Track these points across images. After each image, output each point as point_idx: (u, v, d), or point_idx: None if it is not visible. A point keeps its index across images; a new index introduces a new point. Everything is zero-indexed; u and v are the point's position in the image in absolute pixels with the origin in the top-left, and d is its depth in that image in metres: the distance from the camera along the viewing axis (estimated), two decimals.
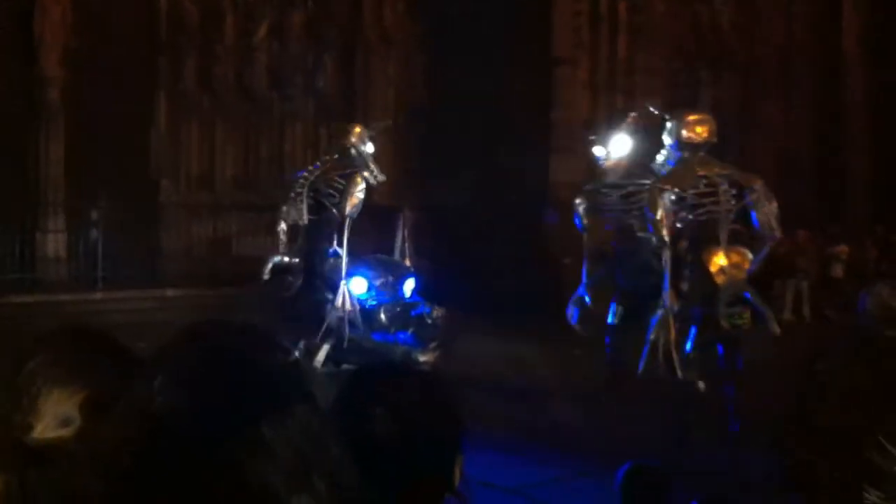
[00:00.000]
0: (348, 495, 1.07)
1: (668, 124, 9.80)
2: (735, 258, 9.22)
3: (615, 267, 10.12)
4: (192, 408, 1.03)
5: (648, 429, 8.72)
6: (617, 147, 10.37)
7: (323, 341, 10.34)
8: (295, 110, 20.21)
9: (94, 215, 17.66)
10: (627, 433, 8.67)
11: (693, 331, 9.30)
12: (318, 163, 11.75)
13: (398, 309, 10.57)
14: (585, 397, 9.74)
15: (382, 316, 10.46)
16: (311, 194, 11.03)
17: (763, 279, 15.98)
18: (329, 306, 10.50)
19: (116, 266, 17.51)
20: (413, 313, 10.56)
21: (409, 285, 10.79)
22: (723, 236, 9.31)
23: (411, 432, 1.69)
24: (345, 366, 9.89)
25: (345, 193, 10.85)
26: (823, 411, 0.66)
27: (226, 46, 19.42)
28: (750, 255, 9.29)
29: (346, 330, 10.30)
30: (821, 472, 0.65)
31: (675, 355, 9.15)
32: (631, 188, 10.05)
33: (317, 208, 11.08)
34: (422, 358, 10.19)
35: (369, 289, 10.56)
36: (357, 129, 11.34)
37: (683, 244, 9.67)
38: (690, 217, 9.53)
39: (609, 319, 10.06)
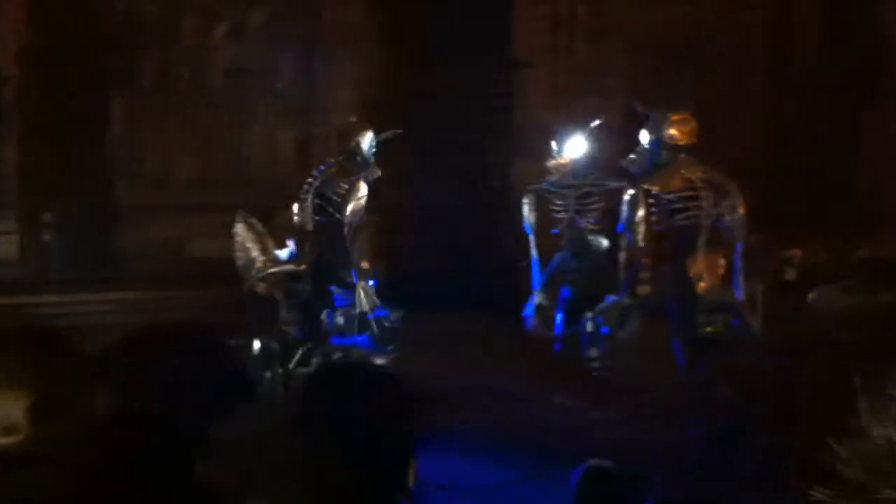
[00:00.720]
0: (300, 493, 1.09)
1: (650, 123, 9.70)
2: (713, 264, 9.20)
3: (563, 270, 10.07)
4: (140, 411, 1.04)
5: (606, 431, 8.76)
6: (572, 147, 10.36)
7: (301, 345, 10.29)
8: (253, 110, 20.09)
9: (48, 217, 17.44)
10: (586, 435, 8.71)
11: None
12: (324, 166, 11.63)
13: (355, 312, 10.53)
14: (544, 399, 9.77)
15: (340, 318, 10.41)
16: (317, 199, 10.95)
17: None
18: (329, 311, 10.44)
19: (70, 268, 17.31)
20: (370, 316, 10.53)
21: (365, 286, 10.75)
22: (702, 242, 9.23)
23: (365, 434, 1.69)
24: (302, 369, 9.85)
25: (346, 199, 10.80)
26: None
27: (183, 46, 19.27)
28: (723, 262, 9.28)
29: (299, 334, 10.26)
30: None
31: (642, 358, 9.18)
32: (586, 188, 10.03)
33: (323, 213, 10.98)
34: (379, 361, 10.16)
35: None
36: (367, 133, 11.19)
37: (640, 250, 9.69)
38: (671, 221, 9.43)
39: (556, 328, 10.05)
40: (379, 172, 11.26)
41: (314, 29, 20.61)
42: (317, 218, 10.88)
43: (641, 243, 9.29)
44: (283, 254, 11.40)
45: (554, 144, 10.42)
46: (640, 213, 9.19)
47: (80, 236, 17.67)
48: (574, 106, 20.68)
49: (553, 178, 10.34)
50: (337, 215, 10.75)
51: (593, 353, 9.78)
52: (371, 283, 10.77)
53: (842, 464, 0.67)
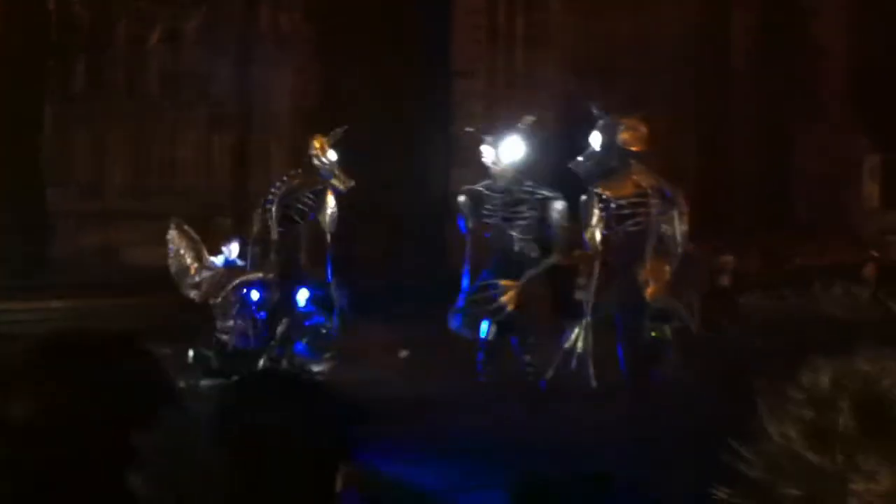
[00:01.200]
0: (220, 497, 1.06)
1: (603, 127, 9.64)
2: (660, 270, 9.21)
3: (490, 277, 9.98)
4: (55, 418, 0.99)
5: (546, 437, 8.75)
6: (506, 153, 10.31)
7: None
8: (188, 117, 19.86)
9: None
10: (524, 442, 8.69)
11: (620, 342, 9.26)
12: (281, 181, 11.42)
13: (293, 319, 10.44)
14: (484, 406, 9.73)
15: (278, 327, 10.32)
16: (282, 210, 10.81)
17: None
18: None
19: None
20: (307, 323, 10.44)
21: (302, 295, 10.66)
22: (649, 248, 9.26)
23: (292, 441, 1.66)
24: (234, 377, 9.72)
25: (319, 210, 10.71)
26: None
27: (117, 50, 19.02)
28: (668, 268, 9.28)
29: (237, 341, 10.16)
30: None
31: (590, 364, 9.14)
32: (518, 195, 9.97)
33: (287, 223, 10.84)
34: (316, 368, 10.08)
35: (263, 298, 10.41)
36: (317, 142, 11.08)
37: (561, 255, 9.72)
38: (620, 226, 9.41)
39: (481, 334, 10.00)
40: (353, 182, 11.10)
41: (250, 36, 20.47)
42: (279, 228, 10.74)
43: (599, 248, 9.26)
44: (218, 261, 11.28)
45: (487, 149, 10.36)
46: (595, 217, 9.15)
47: (8, 244, 17.31)
48: (512, 114, 20.82)
49: (488, 182, 10.31)
50: (301, 224, 10.64)
51: (526, 359, 9.76)
52: (306, 289, 10.68)
53: (744, 463, 0.69)
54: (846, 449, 0.59)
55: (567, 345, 9.21)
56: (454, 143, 19.22)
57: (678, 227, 9.28)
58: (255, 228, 10.72)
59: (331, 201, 10.84)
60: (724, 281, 15.44)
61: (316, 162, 10.90)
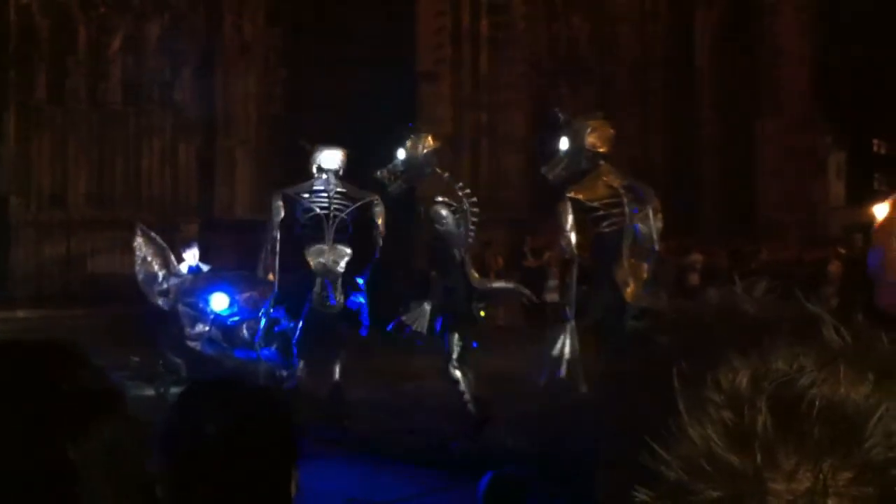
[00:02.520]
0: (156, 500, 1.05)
1: (570, 131, 9.62)
2: (637, 270, 9.20)
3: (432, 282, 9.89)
4: None
5: (511, 438, 8.73)
6: (328, 158, 10.46)
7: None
8: (151, 124, 19.72)
9: None
10: (490, 444, 8.67)
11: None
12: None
13: (261, 325, 10.34)
14: (449, 409, 9.69)
15: (245, 332, 10.22)
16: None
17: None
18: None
19: None
20: (276, 329, 10.35)
21: (271, 301, 10.57)
22: (625, 249, 9.24)
23: (238, 447, 1.65)
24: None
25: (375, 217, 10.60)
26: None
27: (78, 59, 18.85)
28: (646, 267, 9.28)
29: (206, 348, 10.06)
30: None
31: (579, 369, 9.04)
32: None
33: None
34: (286, 374, 9.99)
35: (231, 304, 10.31)
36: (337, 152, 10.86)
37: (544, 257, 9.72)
38: (596, 228, 9.38)
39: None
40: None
41: (213, 43, 20.37)
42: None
43: (575, 252, 9.24)
44: (184, 267, 11.18)
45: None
46: (570, 221, 9.10)
47: None
48: (475, 119, 20.86)
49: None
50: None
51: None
52: (276, 295, 10.61)
53: (663, 465, 0.66)
54: (765, 449, 0.60)
55: (555, 352, 9.10)
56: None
57: (653, 225, 9.28)
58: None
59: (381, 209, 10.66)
60: (693, 279, 15.55)
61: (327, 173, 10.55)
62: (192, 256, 11.38)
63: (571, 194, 9.24)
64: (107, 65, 19.19)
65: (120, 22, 19.27)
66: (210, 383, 1.86)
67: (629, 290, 8.91)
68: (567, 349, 9.07)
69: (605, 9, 21.44)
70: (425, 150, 10.04)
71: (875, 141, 29.06)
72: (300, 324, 9.99)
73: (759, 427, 0.65)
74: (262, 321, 10.21)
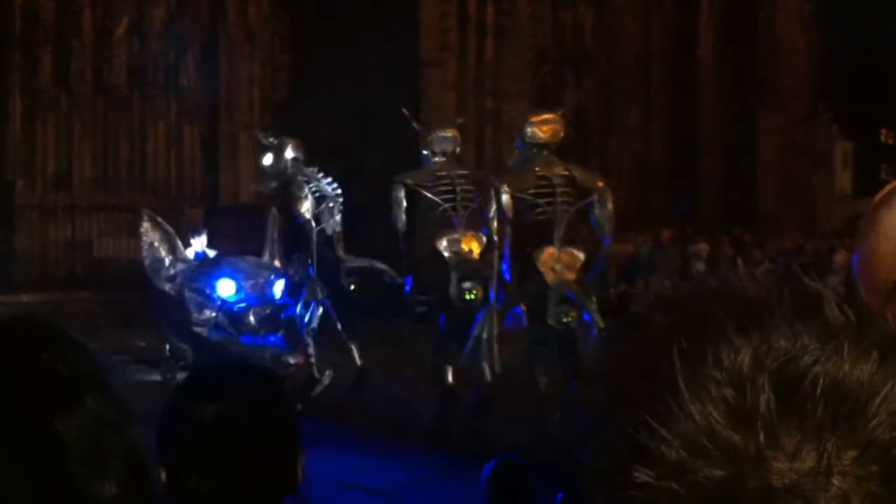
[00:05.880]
0: (150, 475, 1.07)
1: (516, 124, 9.97)
2: (566, 258, 9.34)
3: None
4: None
5: (512, 425, 8.77)
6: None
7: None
8: (156, 109, 19.72)
9: None
10: (492, 431, 8.71)
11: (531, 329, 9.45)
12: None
13: (267, 311, 10.36)
14: (448, 396, 9.73)
15: (251, 318, 10.24)
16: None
17: (626, 277, 16.41)
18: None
19: None
20: (283, 315, 10.37)
21: (278, 287, 10.60)
22: (557, 236, 9.34)
23: (243, 433, 1.67)
24: None
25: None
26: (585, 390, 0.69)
27: (83, 42, 18.83)
28: (582, 257, 9.44)
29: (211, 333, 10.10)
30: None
31: (495, 350, 9.27)
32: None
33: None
34: (291, 360, 10.03)
35: (238, 290, 10.32)
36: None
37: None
38: (527, 216, 9.61)
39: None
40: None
41: (218, 28, 20.34)
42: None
43: (495, 238, 9.44)
44: (190, 253, 11.19)
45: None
46: (492, 209, 9.43)
47: None
48: (480, 107, 20.81)
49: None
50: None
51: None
52: (282, 281, 10.62)
53: (663, 444, 0.66)
54: (768, 427, 0.59)
55: (476, 332, 9.32)
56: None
57: (600, 213, 9.49)
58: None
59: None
60: (698, 268, 15.56)
61: None
62: (200, 243, 11.40)
63: (498, 183, 9.55)
64: (111, 48, 19.17)
65: (125, 5, 19.25)
66: (214, 368, 1.89)
67: (550, 276, 9.12)
68: (485, 331, 9.30)
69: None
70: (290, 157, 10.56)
71: (883, 131, 28.97)
72: (441, 321, 9.76)
73: (762, 405, 0.64)
74: (269, 307, 10.28)
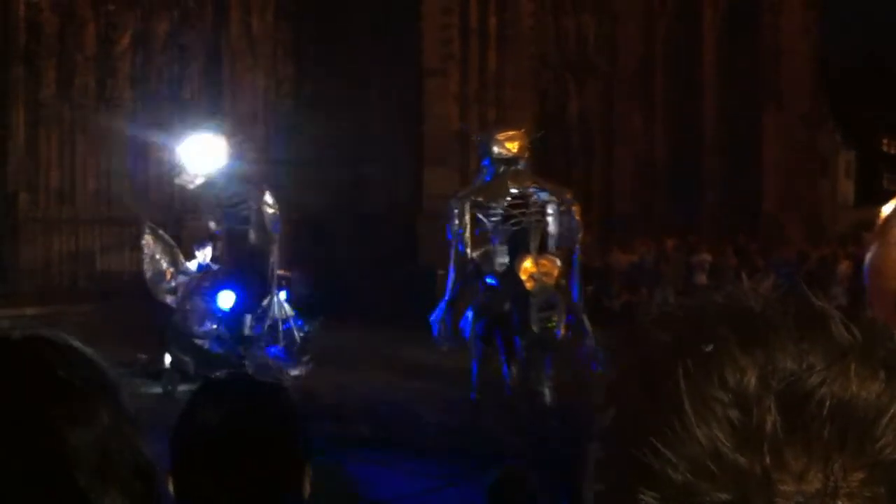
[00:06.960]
0: (158, 487, 1.07)
1: (482, 144, 10.56)
2: (545, 265, 9.73)
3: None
4: None
5: (516, 434, 8.75)
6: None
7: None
8: (160, 121, 19.72)
9: None
10: (496, 440, 8.68)
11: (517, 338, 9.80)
12: None
13: (269, 323, 10.35)
14: (455, 406, 9.73)
15: (252, 330, 10.22)
16: None
17: (630, 287, 16.39)
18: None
19: None
20: (284, 327, 10.36)
21: (278, 299, 10.59)
22: (533, 244, 9.78)
23: (251, 445, 1.67)
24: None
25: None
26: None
27: (87, 56, 18.85)
28: (559, 263, 9.87)
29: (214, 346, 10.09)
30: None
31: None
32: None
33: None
34: (293, 372, 10.00)
35: (239, 302, 10.31)
36: None
37: None
38: (502, 227, 10.05)
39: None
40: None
41: (221, 39, 20.37)
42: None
43: (468, 250, 9.95)
44: (192, 265, 11.19)
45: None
46: (464, 221, 9.91)
47: None
48: (482, 116, 20.83)
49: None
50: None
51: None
52: (283, 292, 10.61)
53: (668, 466, 0.65)
54: (774, 449, 0.58)
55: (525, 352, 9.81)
56: (425, 143, 19.22)
57: (565, 223, 9.99)
58: None
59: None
60: (701, 278, 15.53)
61: None
62: (203, 255, 11.40)
63: (472, 197, 10.12)
64: (115, 61, 19.19)
65: (129, 18, 19.27)
66: (224, 381, 1.88)
67: (530, 282, 9.64)
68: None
69: (612, 6, 21.42)
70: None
71: (885, 140, 28.99)
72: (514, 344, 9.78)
73: (768, 427, 0.63)
74: (270, 318, 10.24)
